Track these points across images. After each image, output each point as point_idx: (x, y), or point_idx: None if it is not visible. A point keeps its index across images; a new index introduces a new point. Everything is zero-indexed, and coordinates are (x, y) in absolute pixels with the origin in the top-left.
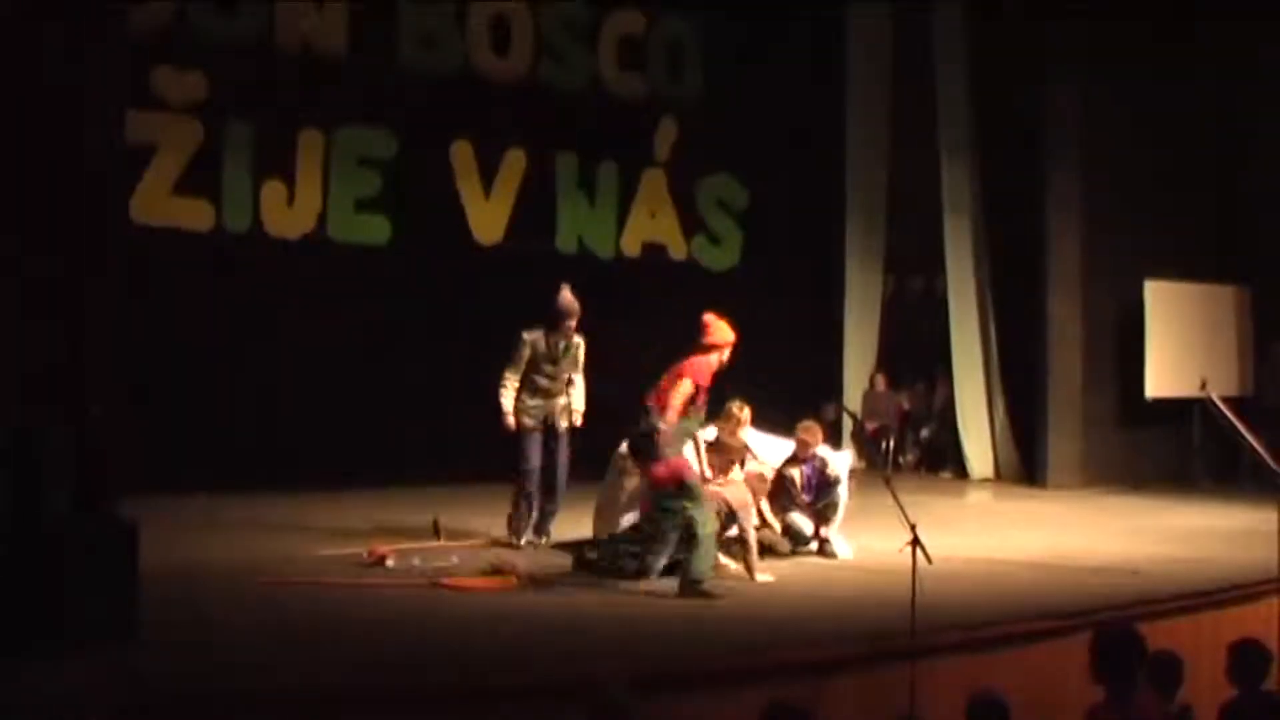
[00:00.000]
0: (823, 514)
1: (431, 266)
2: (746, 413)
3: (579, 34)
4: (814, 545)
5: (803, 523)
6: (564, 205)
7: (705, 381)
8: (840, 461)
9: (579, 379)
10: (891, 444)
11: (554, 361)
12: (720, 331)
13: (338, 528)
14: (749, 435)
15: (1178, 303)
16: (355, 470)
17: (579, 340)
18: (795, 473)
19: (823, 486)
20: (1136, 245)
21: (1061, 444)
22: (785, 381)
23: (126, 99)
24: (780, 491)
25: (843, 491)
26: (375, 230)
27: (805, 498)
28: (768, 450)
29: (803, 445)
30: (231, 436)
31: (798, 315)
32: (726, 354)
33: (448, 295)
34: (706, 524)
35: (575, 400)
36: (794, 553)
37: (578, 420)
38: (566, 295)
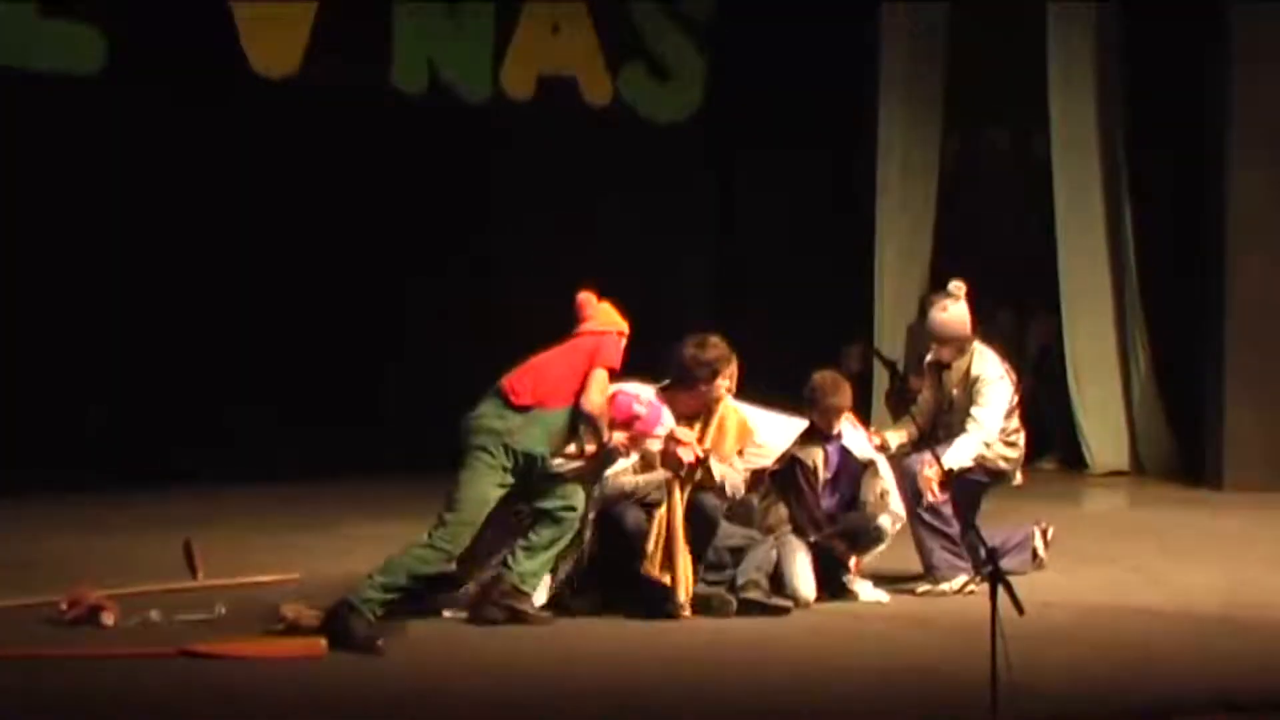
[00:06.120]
0: (852, 537)
1: (175, 113)
2: (732, 367)
3: None
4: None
5: (804, 576)
6: (403, 12)
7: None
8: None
9: None
10: None
11: None
12: (606, 317)
13: (21, 559)
14: (744, 410)
15: None
16: (57, 459)
17: None
18: (817, 455)
19: (851, 487)
20: None
21: (1246, 420)
22: (777, 307)
23: None
24: (783, 497)
25: (894, 500)
26: (80, 51)
27: (827, 501)
28: (768, 431)
29: (826, 414)
30: None
31: (798, 195)
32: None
33: (202, 163)
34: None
35: None
36: (752, 606)
37: None
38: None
